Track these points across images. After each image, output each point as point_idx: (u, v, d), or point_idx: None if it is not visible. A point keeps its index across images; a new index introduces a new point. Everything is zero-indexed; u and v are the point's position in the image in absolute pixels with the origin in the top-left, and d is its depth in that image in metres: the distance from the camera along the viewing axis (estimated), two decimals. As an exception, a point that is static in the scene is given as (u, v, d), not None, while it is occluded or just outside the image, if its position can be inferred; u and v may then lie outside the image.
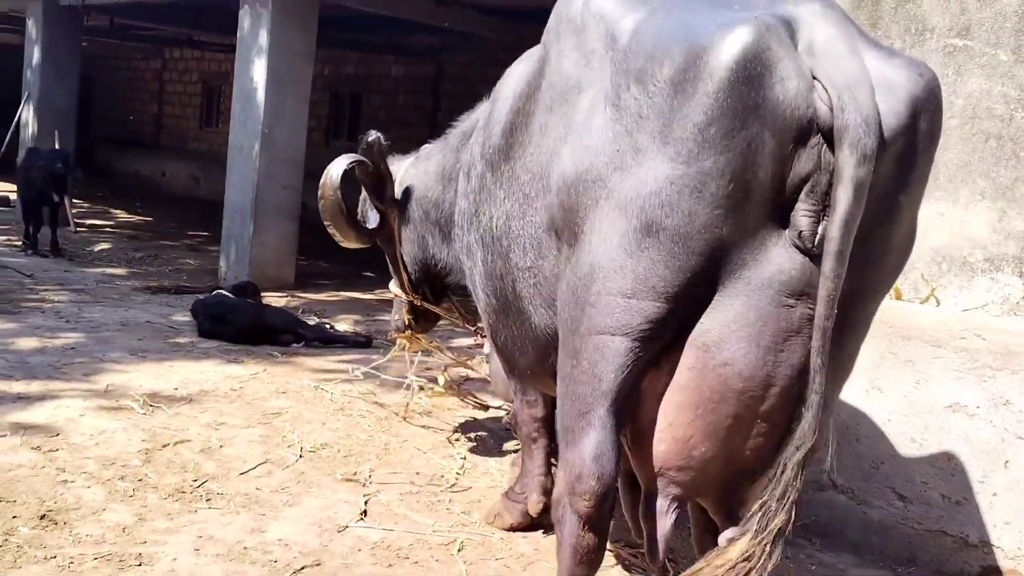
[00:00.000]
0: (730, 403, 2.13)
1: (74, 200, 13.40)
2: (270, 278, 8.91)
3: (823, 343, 2.00)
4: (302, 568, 3.14)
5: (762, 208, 2.04)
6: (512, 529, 3.68)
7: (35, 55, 12.88)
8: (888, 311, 3.81)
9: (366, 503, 3.78)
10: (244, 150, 9.09)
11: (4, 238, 11.17)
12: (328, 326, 7.33)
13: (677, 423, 2.19)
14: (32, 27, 12.95)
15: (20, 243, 10.59)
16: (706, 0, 2.21)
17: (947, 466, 3.60)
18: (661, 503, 2.30)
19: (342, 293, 8.92)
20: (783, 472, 2.06)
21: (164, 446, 4.17)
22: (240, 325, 6.53)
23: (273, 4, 8.80)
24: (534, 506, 3.63)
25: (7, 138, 13.01)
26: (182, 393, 5.05)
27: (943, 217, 4.52)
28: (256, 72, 8.95)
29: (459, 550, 3.43)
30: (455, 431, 4.94)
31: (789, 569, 3.57)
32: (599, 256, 2.16)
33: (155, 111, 20.76)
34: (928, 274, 4.52)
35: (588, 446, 2.23)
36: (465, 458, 4.52)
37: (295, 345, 6.66)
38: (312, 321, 7.41)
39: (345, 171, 4.02)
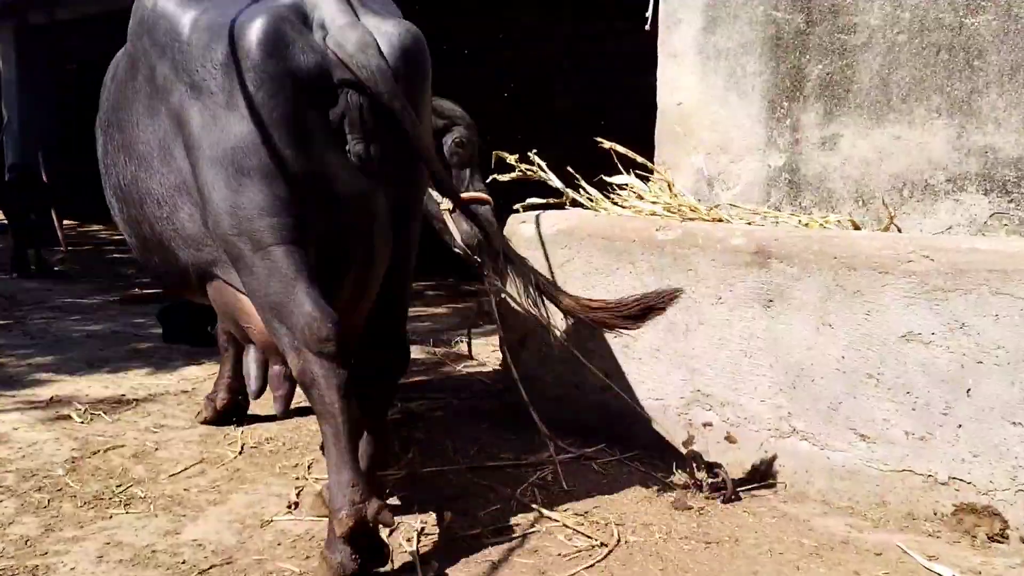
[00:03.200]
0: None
1: (68, 220, 13.42)
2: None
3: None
4: (209, 568, 2.95)
5: (320, 141, 2.83)
6: (206, 422, 4.45)
7: (11, 78, 12.83)
8: (830, 241, 3.55)
9: (298, 494, 3.58)
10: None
11: (-7, 265, 11.11)
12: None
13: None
14: (6, 51, 12.90)
15: (7, 267, 10.52)
16: None
17: (907, 400, 3.33)
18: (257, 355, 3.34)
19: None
20: None
21: (94, 453, 4.00)
22: (200, 326, 6.35)
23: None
24: (220, 403, 4.46)
25: (-9, 165, 12.98)
26: (129, 398, 4.88)
27: (900, 140, 4.24)
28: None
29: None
30: (415, 413, 4.73)
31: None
32: (216, 199, 2.85)
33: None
34: (889, 202, 4.24)
35: (308, 306, 2.78)
36: (421, 440, 4.31)
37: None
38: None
39: None
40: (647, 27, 5.18)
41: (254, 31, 2.74)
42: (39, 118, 12.85)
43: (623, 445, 4.14)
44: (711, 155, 4.85)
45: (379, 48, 2.79)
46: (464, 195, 4.46)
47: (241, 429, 4.40)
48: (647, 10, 5.33)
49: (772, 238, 3.65)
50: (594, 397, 4.28)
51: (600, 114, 9.92)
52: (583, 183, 4.68)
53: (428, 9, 10.09)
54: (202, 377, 5.42)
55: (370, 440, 3.19)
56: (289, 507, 3.47)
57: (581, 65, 12.53)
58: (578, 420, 4.34)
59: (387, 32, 2.87)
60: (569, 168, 4.74)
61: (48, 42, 12.97)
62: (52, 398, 4.86)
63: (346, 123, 2.83)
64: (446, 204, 4.44)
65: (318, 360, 2.76)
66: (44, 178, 11.00)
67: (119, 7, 10.83)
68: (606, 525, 3.35)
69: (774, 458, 3.68)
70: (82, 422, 4.45)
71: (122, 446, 4.11)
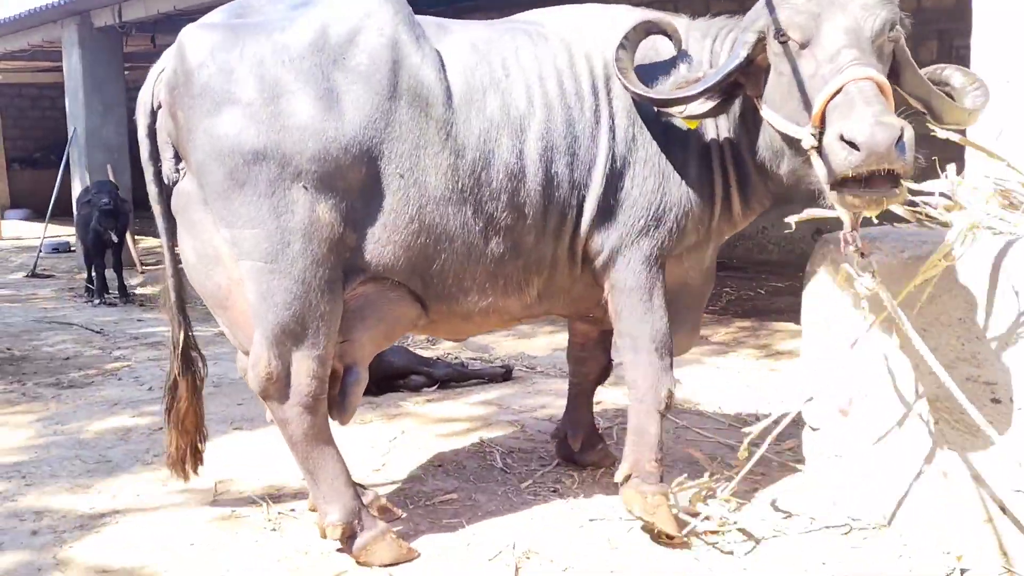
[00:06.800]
0: None
1: (135, 237, 12.44)
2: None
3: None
4: None
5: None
6: None
7: (77, 86, 11.84)
8: None
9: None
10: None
11: (69, 291, 10.11)
12: (458, 360, 6.04)
13: None
14: (70, 56, 11.91)
15: (84, 293, 9.52)
16: None
17: None
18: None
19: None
20: None
21: (315, 587, 2.88)
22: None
23: None
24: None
25: (58, 179, 12.02)
26: (313, 484, 3.76)
27: None
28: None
29: None
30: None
31: None
32: None
33: (206, 135, 19.71)
34: None
35: None
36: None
37: (426, 389, 5.37)
38: (436, 354, 6.12)
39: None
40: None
41: None
42: (107, 129, 11.86)
43: (991, 554, 2.98)
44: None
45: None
46: None
47: (489, 538, 3.25)
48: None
49: None
50: (977, 491, 3.10)
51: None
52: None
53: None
54: (381, 442, 4.31)
55: None
56: None
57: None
58: (953, 523, 3.16)
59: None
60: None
61: (116, 44, 11.96)
62: (216, 486, 3.75)
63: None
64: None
65: None
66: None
67: (195, 4, 9.82)
68: None
69: None
70: (273, 529, 3.34)
71: (344, 573, 2.99)
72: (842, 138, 2.53)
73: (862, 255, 2.84)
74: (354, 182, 2.91)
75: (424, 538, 3.26)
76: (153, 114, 3.07)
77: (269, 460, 4.01)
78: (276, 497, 3.64)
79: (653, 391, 3.26)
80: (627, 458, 3.33)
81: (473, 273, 3.14)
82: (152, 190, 3.11)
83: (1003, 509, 3.05)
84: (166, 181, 3.10)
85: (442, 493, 3.66)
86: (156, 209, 3.14)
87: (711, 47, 3.15)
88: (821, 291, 3.45)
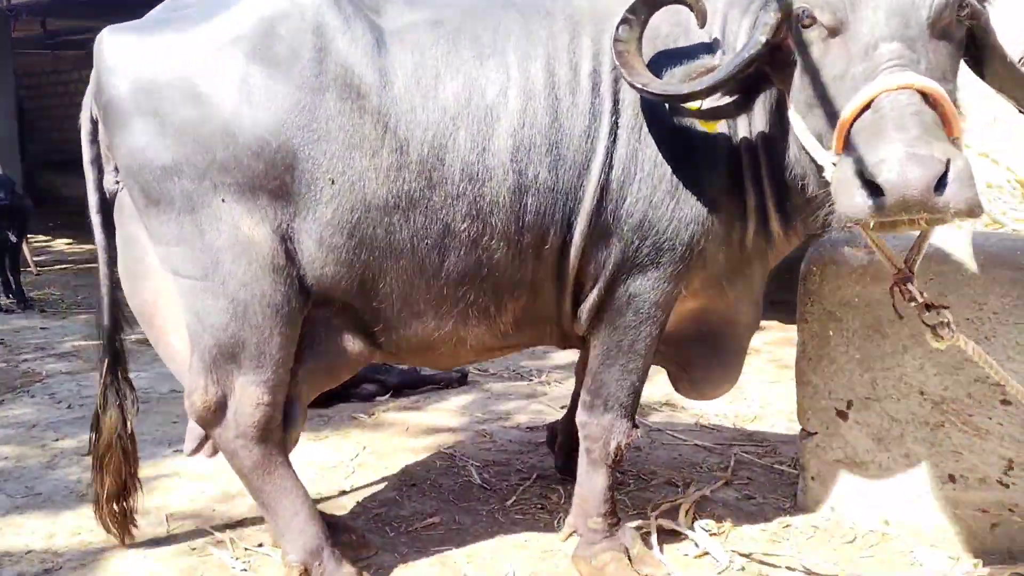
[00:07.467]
0: None
1: (27, 236, 11.60)
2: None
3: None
4: None
5: None
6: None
7: (-40, 73, 10.97)
8: None
9: None
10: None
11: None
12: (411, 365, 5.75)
13: None
14: (-48, 41, 11.03)
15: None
16: None
17: None
18: None
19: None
20: None
21: (305, 636, 2.58)
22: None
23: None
24: None
25: (-60, 175, 11.10)
26: (277, 512, 3.44)
27: None
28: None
29: None
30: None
31: None
32: None
33: (98, 126, 18.62)
34: None
35: None
36: None
37: (379, 399, 5.07)
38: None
39: None
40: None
41: None
42: (-6, 118, 11.05)
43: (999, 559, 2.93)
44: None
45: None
46: None
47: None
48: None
49: None
50: (984, 494, 3.03)
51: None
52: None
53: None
54: (343, 463, 4.00)
55: None
56: None
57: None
58: (960, 528, 3.08)
59: None
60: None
61: (3, 28, 11.13)
62: (168, 520, 3.39)
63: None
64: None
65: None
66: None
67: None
68: None
69: None
70: (244, 568, 3.00)
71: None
72: (862, 175, 1.98)
73: (928, 308, 2.33)
74: (277, 191, 2.57)
75: (412, 568, 2.99)
76: (94, 120, 2.85)
77: (222, 485, 3.66)
78: (238, 530, 3.31)
79: (603, 442, 2.91)
80: (572, 513, 3.10)
81: (426, 295, 2.72)
82: (92, 198, 2.90)
83: (1012, 512, 2.99)
84: (106, 193, 2.90)
85: (423, 516, 3.39)
86: (94, 219, 2.91)
87: (751, 25, 2.51)
88: (817, 292, 3.33)
